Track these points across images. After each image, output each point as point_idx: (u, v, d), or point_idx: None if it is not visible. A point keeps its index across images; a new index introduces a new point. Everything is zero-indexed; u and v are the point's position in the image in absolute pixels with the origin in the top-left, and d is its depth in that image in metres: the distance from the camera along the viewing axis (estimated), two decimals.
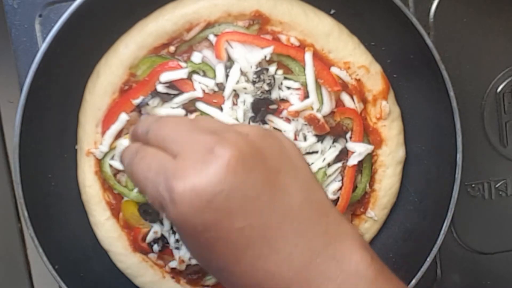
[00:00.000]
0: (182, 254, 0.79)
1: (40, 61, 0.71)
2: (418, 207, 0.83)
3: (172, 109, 0.76)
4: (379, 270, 0.54)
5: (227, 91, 0.75)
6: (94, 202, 0.80)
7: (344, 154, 0.79)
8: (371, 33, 0.79)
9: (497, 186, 0.91)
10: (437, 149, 0.80)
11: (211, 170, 0.50)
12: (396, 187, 0.83)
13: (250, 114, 0.76)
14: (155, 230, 0.79)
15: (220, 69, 0.75)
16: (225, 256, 0.52)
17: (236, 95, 0.76)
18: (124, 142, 0.77)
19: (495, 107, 0.90)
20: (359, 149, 0.79)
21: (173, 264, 0.80)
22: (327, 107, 0.77)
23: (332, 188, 0.78)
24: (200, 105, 0.76)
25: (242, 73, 0.75)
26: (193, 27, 0.76)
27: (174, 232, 0.79)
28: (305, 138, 0.77)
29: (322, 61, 0.78)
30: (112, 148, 0.78)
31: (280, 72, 0.77)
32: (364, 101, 0.80)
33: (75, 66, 0.77)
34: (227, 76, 0.75)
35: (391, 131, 0.81)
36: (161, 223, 0.79)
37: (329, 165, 0.78)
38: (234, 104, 0.76)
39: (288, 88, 0.77)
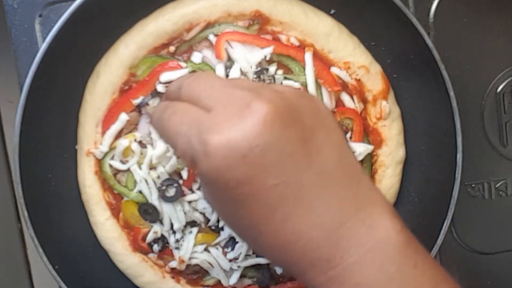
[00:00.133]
0: (182, 254, 0.79)
1: (40, 61, 0.71)
2: (418, 207, 0.83)
3: None
4: (409, 239, 0.53)
5: None
6: (94, 202, 0.80)
7: None
8: (371, 33, 0.79)
9: (497, 186, 0.91)
10: (437, 149, 0.80)
11: (247, 124, 0.49)
12: (396, 187, 0.83)
13: None
14: (155, 230, 0.79)
15: (220, 69, 0.75)
16: (255, 213, 0.51)
17: None
18: (124, 142, 0.77)
19: (495, 107, 0.90)
20: (359, 149, 0.79)
21: (173, 264, 0.80)
22: None
23: None
24: None
25: (242, 73, 0.75)
26: (193, 27, 0.76)
27: (174, 232, 0.79)
28: None
29: (322, 61, 0.78)
30: (112, 148, 0.78)
31: (280, 72, 0.77)
32: (364, 101, 0.80)
33: (75, 66, 0.77)
34: (227, 76, 0.75)
35: (391, 131, 0.81)
36: (161, 223, 0.79)
37: None
38: None
39: None
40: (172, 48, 0.77)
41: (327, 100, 0.77)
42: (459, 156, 0.76)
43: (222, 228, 0.79)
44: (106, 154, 0.79)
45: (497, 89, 0.89)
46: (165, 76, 0.75)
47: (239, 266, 0.79)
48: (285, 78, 0.77)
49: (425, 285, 0.52)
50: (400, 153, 0.82)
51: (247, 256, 0.79)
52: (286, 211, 0.51)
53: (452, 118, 0.75)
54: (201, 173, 0.52)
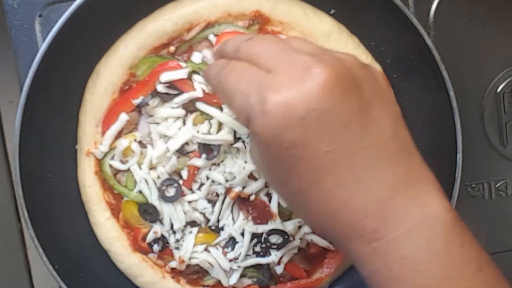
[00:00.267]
0: (182, 254, 0.79)
1: (40, 61, 0.71)
2: None
3: (172, 109, 0.77)
4: (457, 219, 0.53)
5: None
6: (94, 202, 0.80)
7: None
8: (371, 33, 0.79)
9: (497, 186, 0.91)
10: (437, 149, 0.80)
11: (307, 87, 0.49)
12: None
13: None
14: (155, 230, 0.79)
15: None
16: (305, 177, 0.51)
17: None
18: (124, 142, 0.77)
19: (495, 107, 0.90)
20: None
21: (173, 264, 0.80)
22: None
23: None
24: (200, 105, 0.76)
25: None
26: (193, 27, 0.76)
27: (174, 232, 0.79)
28: None
29: None
30: (112, 148, 0.78)
31: None
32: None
33: (75, 66, 0.77)
34: None
35: None
36: (161, 223, 0.79)
37: None
38: None
39: None
40: (172, 48, 0.77)
41: None
42: (459, 156, 0.76)
43: (222, 228, 0.79)
44: (106, 154, 0.79)
45: (497, 89, 0.89)
46: (165, 76, 0.75)
47: (239, 266, 0.79)
48: None
49: (470, 265, 0.52)
50: None
51: (247, 256, 0.79)
52: (336, 179, 0.51)
53: (452, 118, 0.75)
54: (255, 132, 0.52)
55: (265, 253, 0.79)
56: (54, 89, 0.76)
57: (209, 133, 0.76)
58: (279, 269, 0.80)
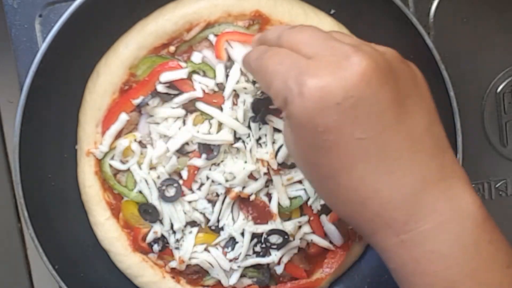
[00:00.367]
0: (182, 254, 0.79)
1: (40, 61, 0.71)
2: None
3: (172, 109, 0.77)
4: (487, 216, 0.54)
5: (227, 91, 0.75)
6: (94, 202, 0.80)
7: None
8: (371, 33, 0.79)
9: (497, 186, 0.91)
10: None
11: (345, 74, 0.50)
12: None
13: (250, 114, 0.76)
14: (155, 230, 0.79)
15: (220, 69, 0.75)
16: (337, 163, 0.52)
17: (236, 95, 0.76)
18: (124, 142, 0.77)
19: (495, 107, 0.90)
20: None
21: (173, 264, 0.80)
22: None
23: None
24: (200, 105, 0.76)
25: (242, 73, 0.75)
26: (193, 27, 0.76)
27: (174, 232, 0.79)
28: None
29: None
30: (112, 148, 0.78)
31: None
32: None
33: (75, 66, 0.77)
34: (227, 76, 0.75)
35: None
36: (161, 223, 0.79)
37: None
38: (234, 104, 0.76)
39: None
40: (172, 48, 0.77)
41: None
42: (459, 156, 0.76)
43: (222, 228, 0.79)
44: (106, 154, 0.79)
45: (497, 89, 0.89)
46: (165, 76, 0.75)
47: (239, 266, 0.79)
48: None
49: (498, 261, 0.53)
50: None
51: (247, 256, 0.79)
52: (368, 167, 0.51)
53: (452, 118, 0.75)
54: (291, 114, 0.52)
55: (265, 253, 0.79)
56: (54, 89, 0.76)
57: (209, 133, 0.76)
58: (279, 269, 0.80)
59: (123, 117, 0.77)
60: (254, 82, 0.75)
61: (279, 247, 0.78)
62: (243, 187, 0.77)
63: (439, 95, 0.74)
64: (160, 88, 0.76)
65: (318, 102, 0.50)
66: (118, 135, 0.78)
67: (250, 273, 0.81)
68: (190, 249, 0.79)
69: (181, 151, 0.77)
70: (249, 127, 0.76)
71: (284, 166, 0.77)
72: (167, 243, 0.80)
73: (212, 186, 0.77)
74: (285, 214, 0.79)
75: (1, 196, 0.91)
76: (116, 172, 0.79)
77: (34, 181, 0.75)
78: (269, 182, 0.77)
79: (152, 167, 0.78)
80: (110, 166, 0.79)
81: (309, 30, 0.57)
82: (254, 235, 0.78)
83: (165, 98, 0.77)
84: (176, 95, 0.76)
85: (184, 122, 0.77)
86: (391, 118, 0.51)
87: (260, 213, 0.78)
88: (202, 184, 0.77)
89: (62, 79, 0.76)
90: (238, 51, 0.75)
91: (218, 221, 0.79)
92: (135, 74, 0.77)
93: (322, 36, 0.55)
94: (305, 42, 0.55)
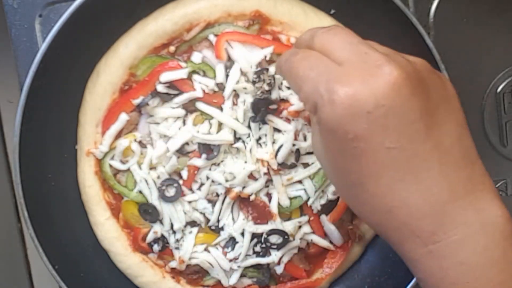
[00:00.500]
0: (182, 254, 0.79)
1: (40, 61, 0.71)
2: None
3: (172, 109, 0.77)
4: None
5: (227, 91, 0.75)
6: (94, 202, 0.80)
7: None
8: (371, 33, 0.79)
9: (497, 186, 0.91)
10: None
11: (377, 83, 0.50)
12: None
13: (250, 114, 0.76)
14: (155, 230, 0.79)
15: (220, 69, 0.75)
16: (366, 171, 0.52)
17: (236, 95, 0.76)
18: (124, 142, 0.77)
19: (495, 107, 0.90)
20: None
21: (173, 264, 0.80)
22: None
23: (332, 188, 0.78)
24: (200, 105, 0.76)
25: (242, 73, 0.75)
26: (193, 27, 0.76)
27: (174, 232, 0.79)
28: (305, 138, 0.77)
29: None
30: (112, 148, 0.78)
31: None
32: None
33: (75, 66, 0.77)
34: (227, 76, 0.75)
35: None
36: (161, 223, 0.79)
37: None
38: (234, 104, 0.76)
39: (288, 88, 0.77)
40: (172, 48, 0.77)
41: None
42: None
43: (222, 228, 0.79)
44: (106, 154, 0.79)
45: (497, 89, 0.89)
46: (165, 76, 0.75)
47: (239, 266, 0.79)
48: None
49: None
50: None
51: (247, 256, 0.79)
52: (396, 176, 0.51)
53: None
54: (321, 120, 0.53)
55: (265, 253, 0.79)
56: (54, 89, 0.76)
57: (209, 133, 0.76)
58: (279, 269, 0.80)
59: (123, 117, 0.77)
60: (254, 82, 0.75)
61: (279, 247, 0.78)
62: (243, 187, 0.77)
63: None
64: (160, 88, 0.76)
65: (349, 110, 0.50)
66: (118, 135, 0.78)
67: (250, 273, 0.81)
68: (190, 249, 0.79)
69: (181, 151, 0.77)
70: (249, 127, 0.76)
71: (284, 166, 0.77)
72: (167, 243, 0.80)
73: (212, 186, 0.77)
74: (285, 214, 0.79)
75: (1, 196, 0.91)
76: (116, 172, 0.79)
77: (34, 181, 0.75)
78: (269, 182, 0.77)
79: (152, 167, 0.78)
80: (110, 166, 0.79)
81: (342, 33, 0.57)
82: (254, 235, 0.78)
83: (165, 98, 0.76)
84: (176, 95, 0.76)
85: (184, 122, 0.77)
86: (421, 128, 0.51)
87: (260, 213, 0.78)
88: (202, 184, 0.77)
89: (62, 79, 0.76)
90: (238, 51, 0.75)
91: (218, 221, 0.79)
92: (135, 74, 0.77)
93: (354, 41, 0.55)
94: (337, 46, 0.55)
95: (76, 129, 0.80)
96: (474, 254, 0.51)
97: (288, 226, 0.78)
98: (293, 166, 0.77)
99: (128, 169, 0.78)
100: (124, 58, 0.77)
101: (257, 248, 0.79)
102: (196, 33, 0.77)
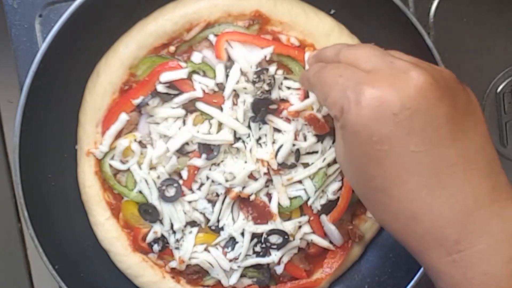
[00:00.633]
0: (182, 254, 0.79)
1: (40, 61, 0.71)
2: None
3: (172, 109, 0.77)
4: None
5: (227, 91, 0.75)
6: (94, 202, 0.80)
7: None
8: (371, 33, 0.79)
9: None
10: None
11: (403, 86, 0.51)
12: None
13: (250, 114, 0.76)
14: (155, 230, 0.79)
15: (220, 69, 0.75)
16: (390, 175, 0.52)
17: (236, 95, 0.76)
18: (124, 142, 0.77)
19: (495, 107, 0.90)
20: None
21: (173, 264, 0.80)
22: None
23: (332, 188, 0.78)
24: (200, 105, 0.76)
25: (242, 73, 0.75)
26: (193, 27, 0.76)
27: (174, 232, 0.79)
28: (305, 138, 0.77)
29: None
30: (112, 148, 0.78)
31: (280, 72, 0.77)
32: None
33: (75, 66, 0.77)
34: (227, 76, 0.75)
35: None
36: (161, 223, 0.79)
37: (329, 165, 0.78)
38: (234, 104, 0.76)
39: (288, 88, 0.77)
40: (172, 48, 0.77)
41: None
42: None
43: (222, 228, 0.79)
44: (106, 154, 0.79)
45: (497, 89, 0.89)
46: (165, 76, 0.75)
47: (239, 266, 0.79)
48: (285, 78, 0.77)
49: None
50: None
51: (247, 256, 0.79)
52: (421, 181, 0.51)
53: None
54: (346, 122, 0.53)
55: (265, 253, 0.79)
56: (54, 89, 0.76)
57: (209, 133, 0.76)
58: (279, 269, 0.80)
59: (123, 117, 0.77)
60: (254, 82, 0.75)
61: (279, 247, 0.78)
62: (243, 187, 0.77)
63: None
64: (160, 88, 0.76)
65: (375, 111, 0.51)
66: (118, 135, 0.78)
67: (250, 273, 0.81)
68: (190, 249, 0.79)
69: (181, 151, 0.77)
70: (249, 127, 0.76)
71: (284, 166, 0.77)
72: (167, 243, 0.80)
73: (212, 186, 0.77)
74: (285, 214, 0.79)
75: (1, 196, 0.91)
76: (116, 172, 0.79)
77: (34, 181, 0.75)
78: (269, 182, 0.77)
79: (152, 167, 0.78)
80: (110, 166, 0.79)
81: (367, 47, 0.58)
82: (254, 235, 0.78)
83: (165, 98, 0.76)
84: (176, 95, 0.76)
85: (184, 122, 0.77)
86: (446, 133, 0.52)
87: (260, 213, 0.78)
88: (202, 184, 0.77)
89: (62, 79, 0.76)
90: (238, 51, 0.75)
91: (218, 221, 0.79)
92: (135, 74, 0.77)
93: (380, 52, 0.56)
94: (363, 58, 0.56)
95: (76, 129, 0.80)
96: (498, 264, 0.51)
97: (288, 226, 0.78)
98: (293, 166, 0.77)
99: (128, 169, 0.78)
100: (124, 58, 0.77)
101: (257, 248, 0.79)
102: (196, 33, 0.77)
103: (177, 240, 0.79)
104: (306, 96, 0.77)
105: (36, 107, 0.73)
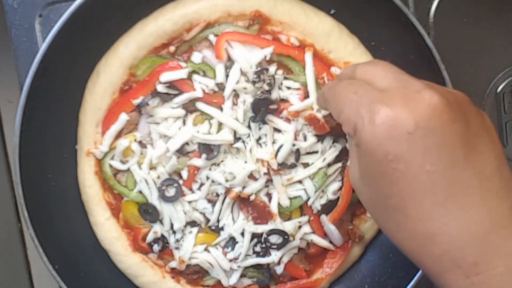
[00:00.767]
0: (182, 254, 0.79)
1: (40, 61, 0.71)
2: None
3: (172, 109, 0.77)
4: None
5: (227, 91, 0.75)
6: (94, 202, 0.80)
7: (344, 154, 0.79)
8: (371, 33, 0.79)
9: None
10: None
11: (418, 106, 0.51)
12: None
13: (250, 114, 0.76)
14: (155, 230, 0.79)
15: (220, 69, 0.75)
16: (406, 194, 0.52)
17: (236, 95, 0.76)
18: (124, 142, 0.77)
19: (495, 107, 0.90)
20: None
21: (173, 264, 0.80)
22: None
23: (332, 188, 0.78)
24: (200, 105, 0.76)
25: (242, 73, 0.75)
26: (193, 27, 0.76)
27: (174, 232, 0.79)
28: (305, 138, 0.77)
29: (322, 61, 0.78)
30: (112, 148, 0.78)
31: (280, 72, 0.77)
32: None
33: (75, 66, 0.77)
34: (227, 76, 0.75)
35: None
36: (161, 223, 0.79)
37: (329, 165, 0.78)
38: (234, 104, 0.76)
39: (288, 88, 0.77)
40: (172, 48, 0.77)
41: None
42: None
43: (222, 228, 0.79)
44: (106, 154, 0.79)
45: (497, 89, 0.89)
46: (165, 76, 0.75)
47: (239, 266, 0.79)
48: (285, 78, 0.77)
49: None
50: None
51: (247, 256, 0.79)
52: (437, 200, 0.51)
53: None
54: (360, 141, 0.53)
55: (265, 253, 0.79)
56: (54, 89, 0.76)
57: (209, 133, 0.76)
58: (279, 269, 0.80)
59: (123, 117, 0.77)
60: (254, 82, 0.75)
61: (279, 247, 0.78)
62: (243, 187, 0.77)
63: None
64: (160, 88, 0.76)
65: (389, 130, 0.51)
66: (118, 135, 0.78)
67: (250, 273, 0.81)
68: (190, 249, 0.79)
69: (181, 151, 0.77)
70: (249, 127, 0.76)
71: (284, 166, 0.77)
72: (167, 243, 0.80)
73: (212, 186, 0.77)
74: (285, 214, 0.79)
75: (1, 196, 0.91)
76: (116, 172, 0.79)
77: (34, 181, 0.75)
78: (269, 182, 0.77)
79: (152, 167, 0.78)
80: (110, 166, 0.79)
81: (383, 64, 0.59)
82: (254, 235, 0.78)
83: (165, 98, 0.76)
84: (176, 95, 0.76)
85: (184, 122, 0.77)
86: (461, 154, 0.52)
87: (260, 213, 0.78)
88: (202, 184, 0.77)
89: (62, 79, 0.76)
90: (238, 51, 0.75)
91: (218, 221, 0.79)
92: (135, 74, 0.77)
93: (396, 71, 0.57)
94: (379, 75, 0.56)
95: (76, 129, 0.80)
96: None
97: (288, 226, 0.78)
98: (293, 166, 0.77)
99: (128, 169, 0.78)
100: (124, 58, 0.77)
101: (257, 248, 0.79)
102: (196, 33, 0.77)
103: (177, 240, 0.79)
104: (306, 96, 0.77)
105: (36, 107, 0.73)
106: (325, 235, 0.81)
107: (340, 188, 0.79)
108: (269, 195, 0.78)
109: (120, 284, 0.82)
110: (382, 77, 0.56)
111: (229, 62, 0.76)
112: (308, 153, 0.78)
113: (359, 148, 0.54)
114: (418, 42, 0.74)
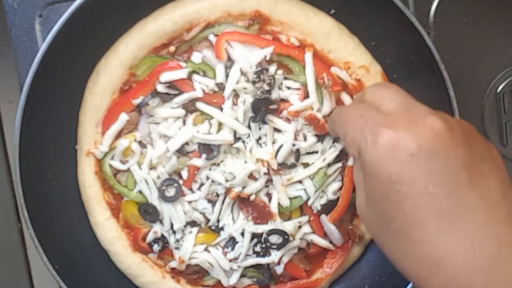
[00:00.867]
0: (182, 254, 0.79)
1: (40, 61, 0.71)
2: None
3: (172, 109, 0.77)
4: None
5: (227, 91, 0.75)
6: (94, 202, 0.80)
7: (344, 154, 0.79)
8: (371, 33, 0.79)
9: None
10: None
11: (421, 129, 0.52)
12: None
13: (250, 114, 0.76)
14: (155, 230, 0.79)
15: (220, 69, 0.75)
16: (410, 217, 0.52)
17: (236, 95, 0.76)
18: (124, 142, 0.77)
19: (495, 107, 0.90)
20: None
21: (173, 264, 0.80)
22: (327, 107, 0.77)
23: (332, 188, 0.78)
24: (200, 105, 0.76)
25: (242, 73, 0.75)
26: (193, 27, 0.76)
27: (174, 232, 0.79)
28: (305, 138, 0.77)
29: (322, 61, 0.78)
30: (112, 148, 0.78)
31: (280, 72, 0.77)
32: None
33: (75, 66, 0.77)
34: (227, 76, 0.75)
35: None
36: (161, 223, 0.79)
37: (329, 165, 0.78)
38: (234, 104, 0.76)
39: (288, 88, 0.77)
40: (172, 48, 0.77)
41: (327, 100, 0.77)
42: None
43: (222, 228, 0.79)
44: (106, 154, 0.79)
45: (497, 89, 0.89)
46: (165, 76, 0.75)
47: (239, 266, 0.79)
48: (285, 78, 0.77)
49: None
50: None
51: (247, 256, 0.79)
52: (442, 224, 0.51)
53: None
54: (365, 162, 0.54)
55: (265, 253, 0.79)
56: (54, 89, 0.76)
57: (209, 133, 0.76)
58: (279, 269, 0.80)
59: (123, 117, 0.77)
60: (254, 82, 0.75)
61: (279, 247, 0.78)
62: (243, 187, 0.77)
63: (439, 95, 0.75)
64: (160, 88, 0.76)
65: (392, 151, 0.52)
66: (118, 135, 0.78)
67: (250, 273, 0.81)
68: (190, 249, 0.79)
69: (181, 151, 0.77)
70: (249, 127, 0.76)
71: (284, 166, 0.77)
72: (167, 243, 0.80)
73: (212, 186, 0.77)
74: (285, 214, 0.79)
75: (1, 196, 0.91)
76: (116, 172, 0.79)
77: (34, 181, 0.75)
78: (269, 182, 0.77)
79: (152, 167, 0.78)
80: (110, 166, 0.79)
81: (391, 87, 0.60)
82: (254, 235, 0.78)
83: (165, 98, 0.76)
84: (176, 95, 0.76)
85: (184, 122, 0.77)
86: (465, 177, 0.52)
87: (260, 213, 0.78)
88: (202, 184, 0.77)
89: (62, 79, 0.76)
90: (238, 51, 0.75)
91: (218, 221, 0.79)
92: (135, 74, 0.77)
93: (403, 94, 0.58)
94: (386, 99, 0.57)
95: (76, 129, 0.80)
96: None
97: (288, 226, 0.78)
98: (293, 166, 0.77)
99: (128, 169, 0.78)
100: (124, 58, 0.77)
101: (257, 248, 0.79)
102: (196, 33, 0.77)
103: (177, 240, 0.79)
104: (306, 96, 0.77)
105: (36, 107, 0.73)
106: (325, 235, 0.81)
107: (340, 188, 0.79)
108: (269, 195, 0.78)
109: (120, 284, 0.82)
110: (389, 100, 0.57)
111: (229, 62, 0.76)
112: (308, 153, 0.78)
113: (364, 170, 0.55)
114: (418, 42, 0.74)
